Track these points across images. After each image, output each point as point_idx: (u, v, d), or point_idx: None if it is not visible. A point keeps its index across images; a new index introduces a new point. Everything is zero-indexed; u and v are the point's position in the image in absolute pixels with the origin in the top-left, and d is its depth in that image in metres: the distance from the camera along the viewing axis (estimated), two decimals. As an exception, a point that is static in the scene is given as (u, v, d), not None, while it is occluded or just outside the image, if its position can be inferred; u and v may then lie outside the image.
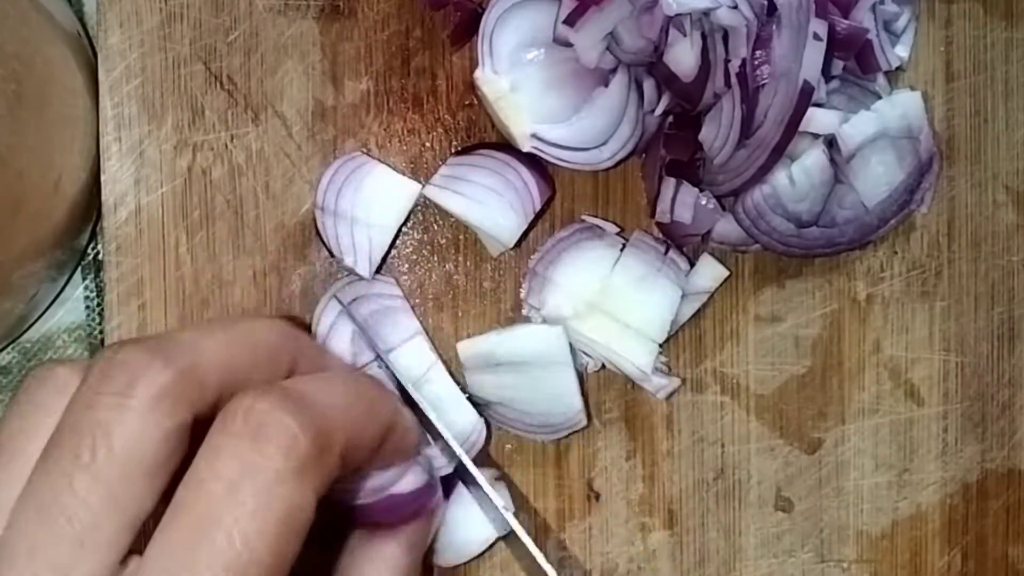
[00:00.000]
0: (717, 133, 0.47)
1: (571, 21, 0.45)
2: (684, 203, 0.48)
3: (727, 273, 0.50)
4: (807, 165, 0.46)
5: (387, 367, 0.46)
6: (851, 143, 0.46)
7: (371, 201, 0.47)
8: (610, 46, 0.46)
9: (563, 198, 0.50)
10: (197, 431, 0.31)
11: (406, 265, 0.49)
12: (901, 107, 0.48)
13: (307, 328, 0.48)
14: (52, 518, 0.28)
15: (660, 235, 0.49)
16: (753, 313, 0.51)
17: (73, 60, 0.46)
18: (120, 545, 0.29)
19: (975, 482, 0.52)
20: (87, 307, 0.51)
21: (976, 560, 0.52)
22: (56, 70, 0.44)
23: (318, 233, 0.48)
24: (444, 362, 0.48)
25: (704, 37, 0.45)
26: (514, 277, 0.50)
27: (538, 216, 0.48)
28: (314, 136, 0.49)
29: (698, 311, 0.50)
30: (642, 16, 0.45)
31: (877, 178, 0.48)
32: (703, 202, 0.48)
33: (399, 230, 0.48)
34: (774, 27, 0.45)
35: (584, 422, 0.49)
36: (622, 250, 0.49)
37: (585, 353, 0.49)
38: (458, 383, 0.48)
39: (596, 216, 0.50)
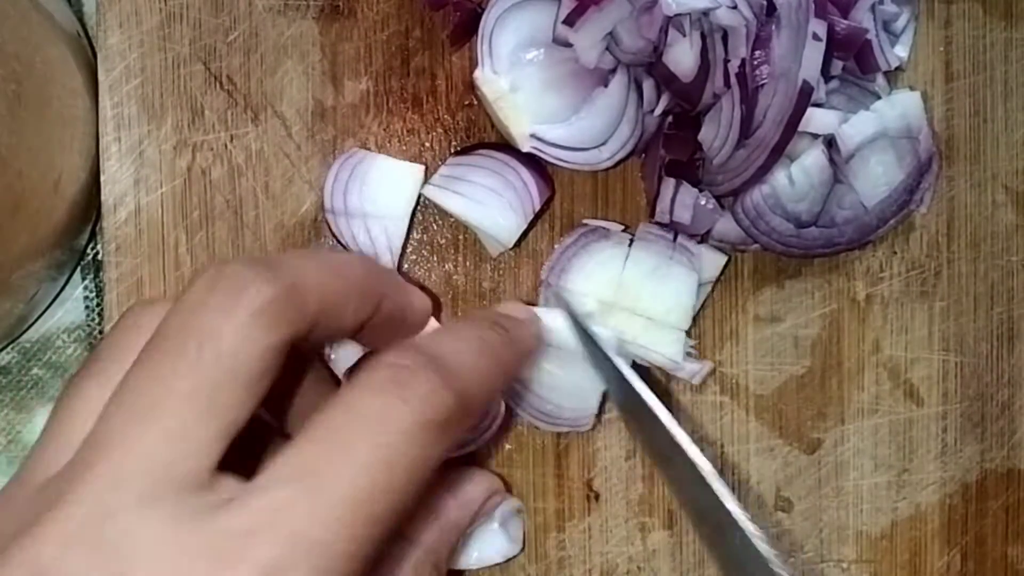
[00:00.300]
0: (716, 133, 0.47)
1: (571, 21, 0.45)
2: (683, 203, 0.48)
3: (725, 258, 0.49)
4: (806, 165, 0.46)
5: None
6: (850, 143, 0.46)
7: (379, 193, 0.47)
8: (609, 46, 0.46)
9: (563, 198, 0.50)
10: (287, 362, 0.30)
11: (406, 265, 0.49)
12: (900, 107, 0.48)
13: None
14: (150, 412, 0.28)
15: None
16: (752, 313, 0.51)
17: (73, 60, 0.46)
18: (214, 452, 0.28)
19: (974, 482, 0.52)
20: (87, 307, 0.51)
21: (976, 560, 0.52)
22: (56, 70, 0.44)
23: (334, 236, 0.48)
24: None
25: (703, 37, 0.45)
26: (514, 277, 0.50)
27: (538, 216, 0.48)
28: (314, 136, 0.49)
29: (698, 311, 0.50)
30: (641, 16, 0.45)
31: (876, 178, 0.48)
32: (702, 202, 0.48)
33: (412, 217, 0.48)
34: (773, 27, 0.45)
35: (590, 424, 0.49)
36: (630, 246, 0.49)
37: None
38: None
39: (596, 218, 0.50)
